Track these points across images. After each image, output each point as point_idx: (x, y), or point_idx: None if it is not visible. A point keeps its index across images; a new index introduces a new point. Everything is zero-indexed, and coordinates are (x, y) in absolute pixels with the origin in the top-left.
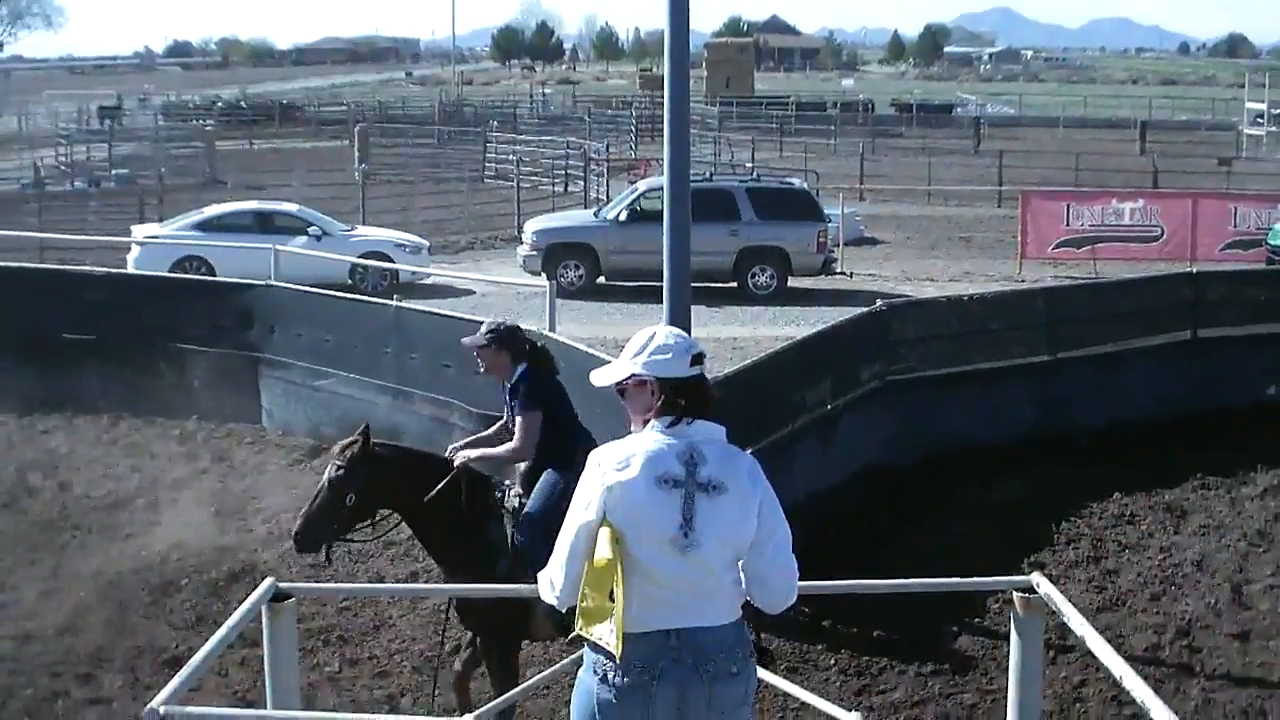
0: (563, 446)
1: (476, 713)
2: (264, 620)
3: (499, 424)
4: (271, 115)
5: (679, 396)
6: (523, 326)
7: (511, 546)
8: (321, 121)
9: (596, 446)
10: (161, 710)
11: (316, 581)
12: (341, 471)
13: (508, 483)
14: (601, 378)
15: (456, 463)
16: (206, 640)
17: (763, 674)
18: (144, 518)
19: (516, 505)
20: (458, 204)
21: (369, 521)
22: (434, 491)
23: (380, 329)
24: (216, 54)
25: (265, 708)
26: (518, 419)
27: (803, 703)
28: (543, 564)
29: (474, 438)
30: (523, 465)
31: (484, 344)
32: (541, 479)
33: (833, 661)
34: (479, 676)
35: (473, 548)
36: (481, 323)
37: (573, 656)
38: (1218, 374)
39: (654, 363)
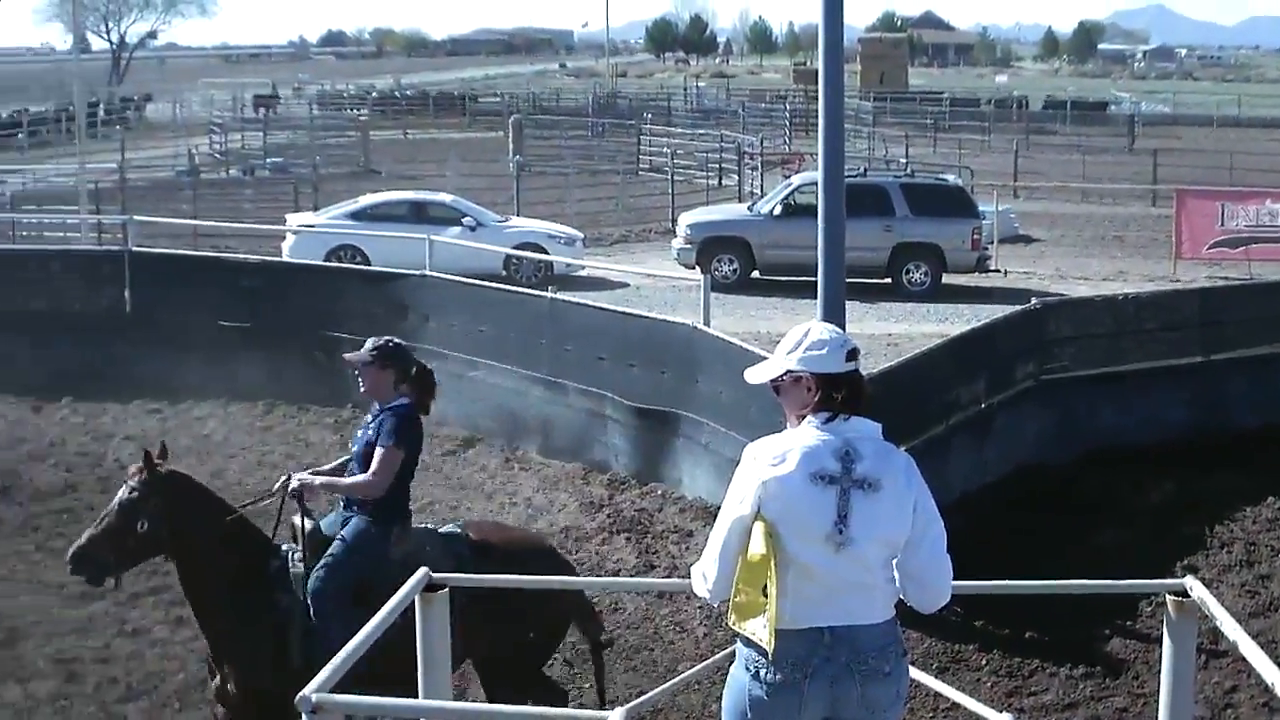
0: (399, 498)
1: (626, 707)
2: (417, 610)
3: (338, 463)
4: (426, 105)
5: (835, 392)
6: (405, 344)
7: (307, 622)
8: (476, 112)
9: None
10: (314, 698)
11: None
12: (135, 494)
13: (287, 546)
14: (756, 374)
15: (291, 485)
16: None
17: (915, 673)
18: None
19: (301, 572)
20: (612, 196)
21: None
22: (248, 505)
23: (535, 320)
24: (371, 44)
25: (416, 698)
26: (378, 450)
27: (954, 703)
28: (337, 649)
29: (313, 470)
30: (306, 524)
31: (369, 361)
32: (351, 526)
33: (984, 662)
34: None
35: (258, 623)
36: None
37: (725, 652)
38: None
39: (810, 358)
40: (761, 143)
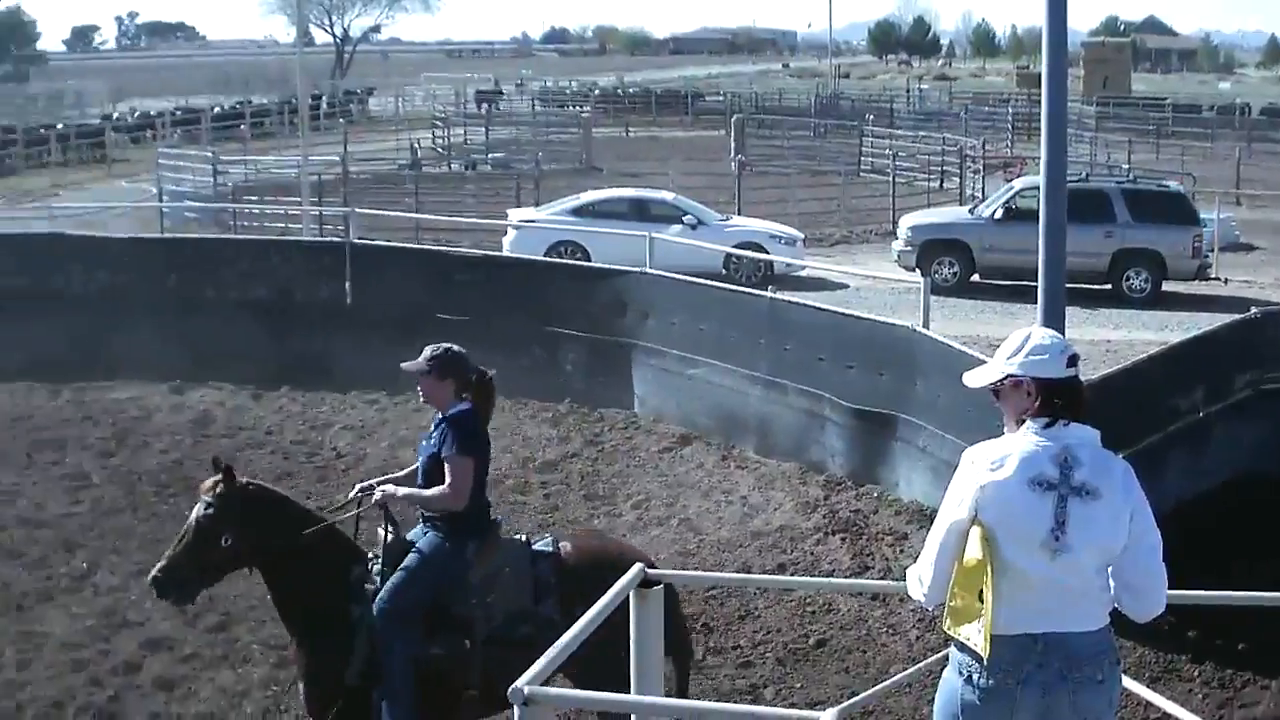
0: (476, 510)
1: (838, 708)
2: (631, 605)
3: (407, 470)
4: (648, 103)
5: (1054, 398)
6: (463, 351)
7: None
8: (699, 111)
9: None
10: (526, 690)
11: (684, 569)
12: (211, 510)
13: (372, 554)
14: (976, 378)
15: (375, 496)
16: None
17: (1126, 682)
18: (514, 498)
19: (378, 585)
20: (833, 197)
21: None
22: (330, 520)
23: (754, 320)
24: (594, 41)
25: (629, 693)
26: (449, 462)
27: (1165, 713)
28: (391, 656)
29: (384, 478)
30: (388, 535)
31: (426, 370)
32: (426, 541)
33: (1196, 673)
34: None
35: (330, 633)
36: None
37: (938, 655)
38: None
39: (1031, 363)
40: (983, 146)
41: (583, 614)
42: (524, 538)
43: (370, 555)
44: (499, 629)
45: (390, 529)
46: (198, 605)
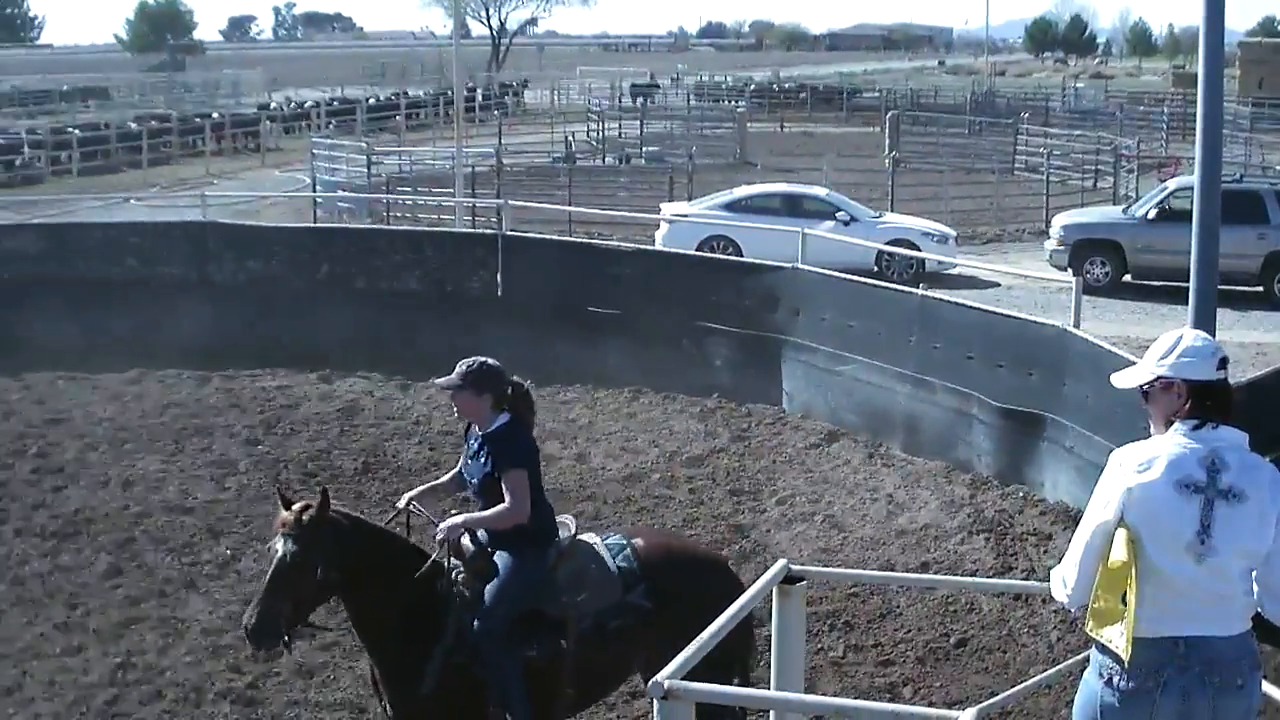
0: (543, 517)
1: (978, 707)
2: (774, 601)
3: (449, 475)
4: (803, 99)
5: (1204, 400)
6: (497, 364)
7: (464, 645)
8: (854, 107)
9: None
10: (666, 684)
11: (827, 565)
12: (297, 545)
13: (451, 564)
14: (1125, 379)
15: (440, 534)
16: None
17: (1267, 688)
18: (660, 492)
19: (466, 594)
20: (986, 195)
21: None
22: (425, 568)
23: (904, 317)
24: (750, 36)
25: (769, 688)
26: (506, 478)
27: None
28: (502, 672)
29: (427, 486)
30: (468, 542)
31: (459, 385)
32: (505, 562)
33: None
34: None
35: (425, 646)
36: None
37: (1078, 657)
38: None
39: (1182, 364)
40: (1138, 145)
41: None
42: (590, 537)
43: (449, 565)
44: (591, 625)
45: (452, 552)
46: None
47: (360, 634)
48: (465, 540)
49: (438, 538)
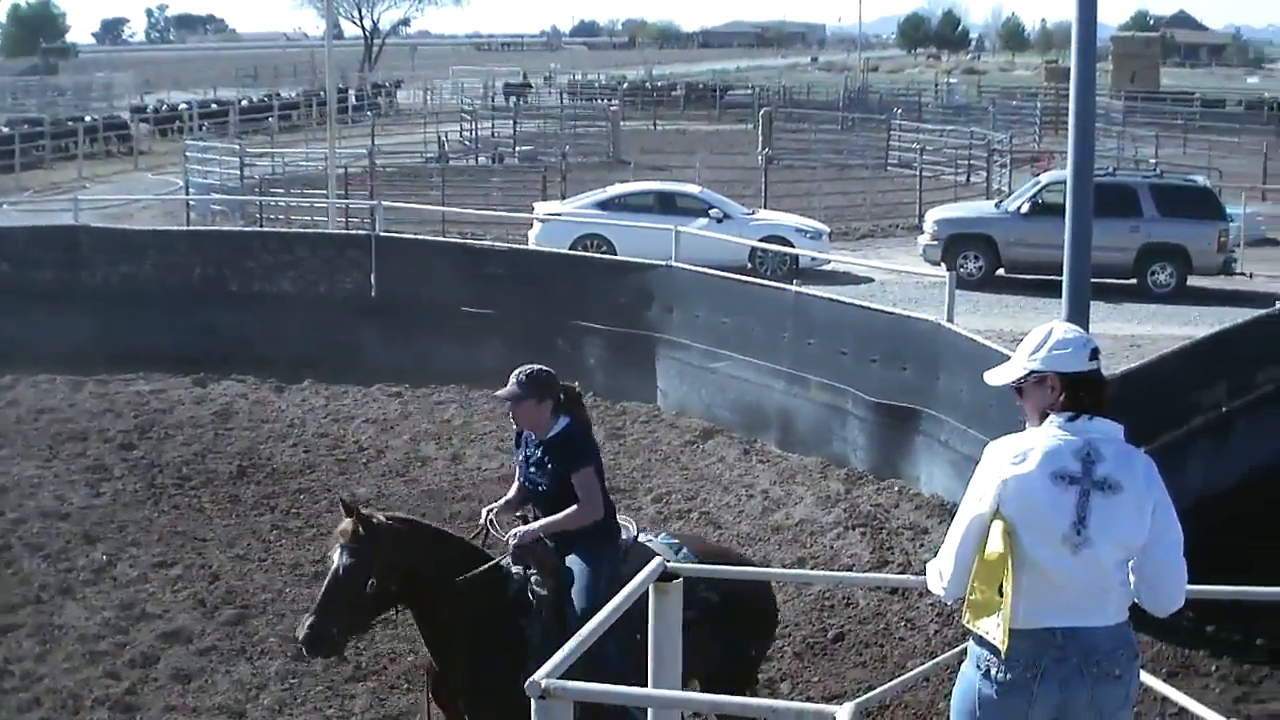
0: (609, 514)
1: (855, 702)
2: (650, 599)
3: (514, 490)
4: (676, 97)
5: (1077, 392)
6: (549, 370)
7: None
8: (726, 105)
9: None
10: (544, 684)
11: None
12: (352, 557)
13: (517, 568)
14: (997, 376)
15: (515, 541)
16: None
17: (1144, 677)
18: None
19: (544, 595)
20: (859, 191)
21: (389, 613)
22: (476, 571)
23: (778, 313)
24: (623, 34)
25: (646, 686)
26: (578, 479)
27: (1181, 708)
28: (616, 665)
29: (501, 503)
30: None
31: (521, 395)
32: (585, 562)
33: (1214, 668)
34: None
35: (504, 652)
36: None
37: (956, 650)
38: None
39: (1054, 357)
40: (1011, 140)
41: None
42: (644, 538)
43: (513, 568)
44: None
45: (528, 558)
46: (215, 598)
47: (427, 644)
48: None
49: (512, 544)
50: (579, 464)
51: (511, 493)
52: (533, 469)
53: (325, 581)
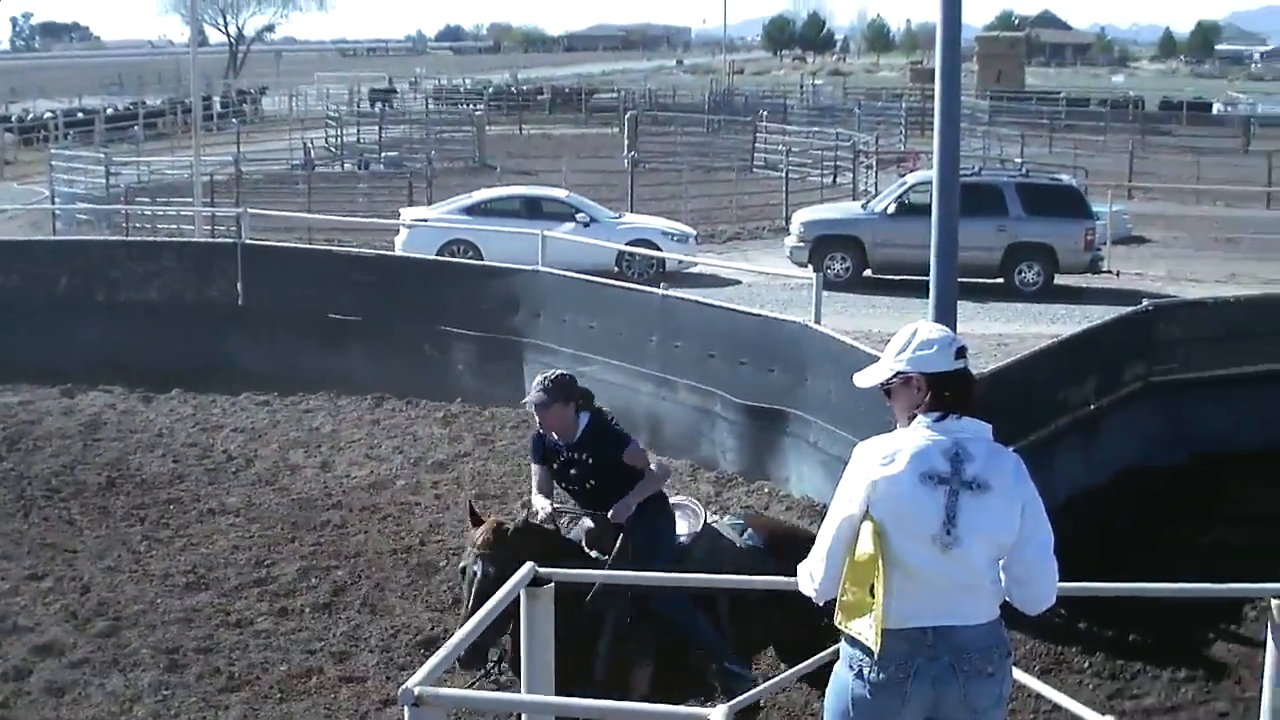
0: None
1: (729, 704)
2: (522, 604)
3: (537, 483)
4: (542, 101)
5: (944, 392)
6: (570, 373)
7: (624, 625)
8: (592, 108)
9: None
10: (416, 691)
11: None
12: (492, 565)
13: (603, 556)
14: (865, 378)
15: (615, 519)
16: (463, 623)
17: (1017, 674)
18: (405, 498)
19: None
20: (726, 194)
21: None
22: (614, 554)
23: (646, 317)
24: (488, 39)
25: (520, 691)
26: (631, 456)
27: (1055, 705)
28: (696, 626)
29: (537, 487)
30: (588, 524)
31: (548, 400)
32: (649, 535)
33: (1087, 664)
34: None
35: (589, 636)
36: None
37: (829, 650)
38: None
39: (919, 358)
40: (877, 141)
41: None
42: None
43: (595, 553)
44: (735, 597)
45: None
46: (87, 610)
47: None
48: (587, 521)
49: (612, 519)
50: (623, 444)
51: (543, 500)
52: (572, 472)
53: (471, 592)
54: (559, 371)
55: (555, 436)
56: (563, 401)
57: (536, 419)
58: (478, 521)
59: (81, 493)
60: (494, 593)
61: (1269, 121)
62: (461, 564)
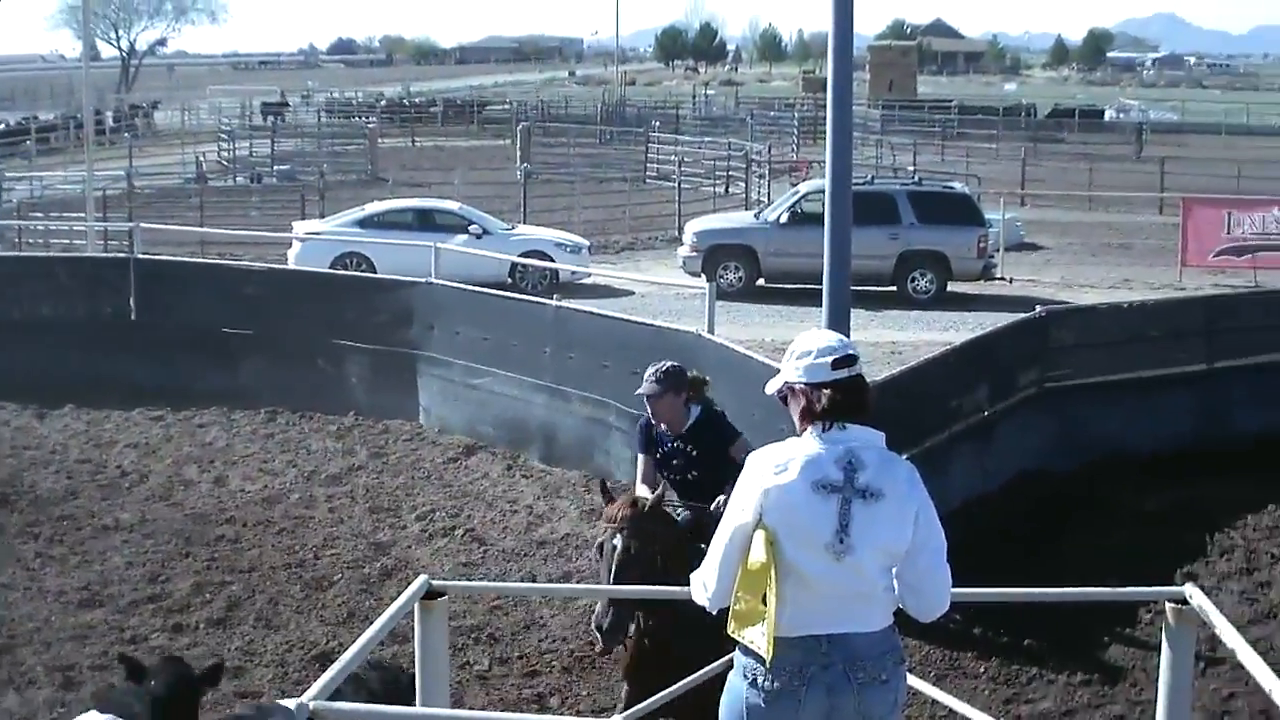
0: None
1: (625, 714)
2: (415, 617)
3: (642, 473)
4: (434, 113)
5: (837, 400)
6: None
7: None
8: (485, 120)
9: None
10: (311, 706)
11: (469, 579)
12: (635, 538)
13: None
14: (770, 386)
15: (720, 509)
16: (358, 636)
17: (912, 680)
18: (299, 513)
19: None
20: (619, 204)
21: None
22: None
23: (539, 328)
24: (381, 51)
25: (414, 705)
26: (734, 450)
27: (951, 710)
28: None
29: (642, 478)
30: (684, 514)
31: (660, 391)
32: None
33: (982, 669)
34: None
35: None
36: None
37: (723, 659)
38: None
39: (812, 367)
40: (769, 150)
41: None
42: None
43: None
44: None
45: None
46: None
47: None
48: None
49: (715, 512)
50: (732, 436)
51: (645, 491)
52: (675, 462)
53: (613, 565)
54: (671, 363)
55: (664, 427)
56: (674, 392)
57: (648, 409)
58: (610, 499)
59: None
60: (633, 566)
61: (1160, 128)
62: (599, 539)
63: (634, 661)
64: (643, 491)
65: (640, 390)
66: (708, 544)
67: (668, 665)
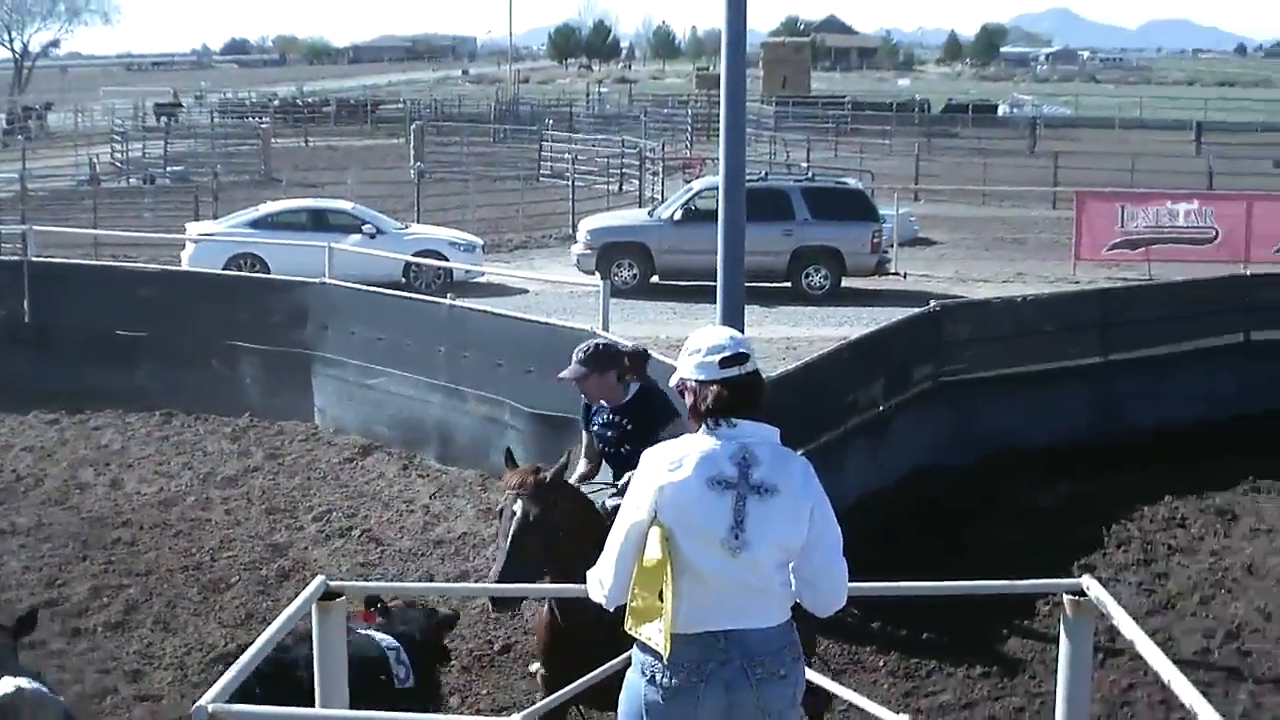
0: None
1: (523, 713)
2: (314, 618)
3: (585, 464)
4: (328, 113)
5: (731, 397)
6: (610, 340)
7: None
8: (377, 120)
9: None
10: (210, 708)
11: (366, 579)
12: (535, 504)
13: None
14: (671, 380)
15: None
16: (256, 638)
17: (811, 675)
18: (195, 515)
19: None
20: (512, 203)
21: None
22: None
23: (433, 327)
24: (274, 52)
25: (313, 706)
26: (665, 432)
27: (850, 704)
28: None
29: (580, 475)
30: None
31: (584, 372)
32: None
33: (881, 663)
34: None
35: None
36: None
37: (622, 657)
38: (1271, 377)
39: (705, 364)
40: (663, 148)
41: None
42: None
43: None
44: None
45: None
46: None
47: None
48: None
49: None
50: (666, 416)
51: (583, 467)
52: (609, 434)
53: (511, 531)
54: (597, 340)
55: (604, 402)
56: (599, 371)
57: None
58: (512, 463)
59: None
60: (531, 533)
61: (1054, 123)
62: (499, 505)
63: (549, 641)
64: (582, 466)
65: (563, 374)
66: None
67: (585, 645)
